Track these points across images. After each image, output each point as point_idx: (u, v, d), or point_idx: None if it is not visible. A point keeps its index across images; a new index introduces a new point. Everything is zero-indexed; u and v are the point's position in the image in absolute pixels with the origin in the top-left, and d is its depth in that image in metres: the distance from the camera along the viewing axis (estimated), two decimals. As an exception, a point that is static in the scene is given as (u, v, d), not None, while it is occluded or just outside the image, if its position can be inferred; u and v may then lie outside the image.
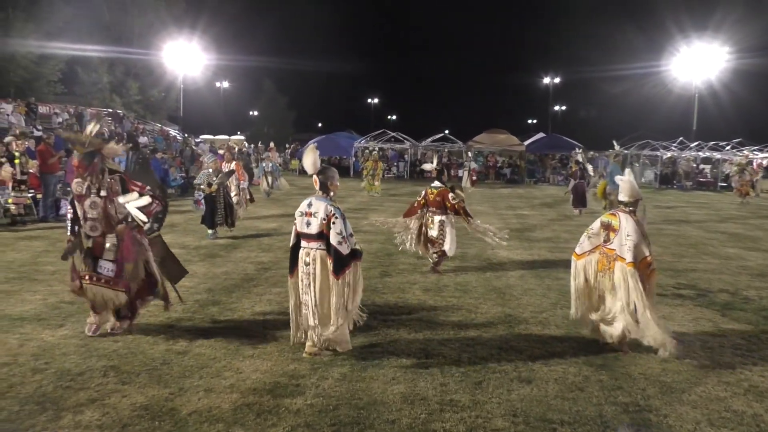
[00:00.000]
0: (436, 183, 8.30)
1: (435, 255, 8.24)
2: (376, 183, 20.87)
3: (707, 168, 33.76)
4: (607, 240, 5.35)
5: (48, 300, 6.41)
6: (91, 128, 5.45)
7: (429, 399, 4.16)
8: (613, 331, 5.22)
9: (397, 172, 34.09)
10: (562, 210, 17.08)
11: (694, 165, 33.39)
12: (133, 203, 5.31)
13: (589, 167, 17.39)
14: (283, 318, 5.93)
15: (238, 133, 52.58)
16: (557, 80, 57.44)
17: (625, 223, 5.22)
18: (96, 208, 5.33)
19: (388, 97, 79.85)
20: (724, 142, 33.41)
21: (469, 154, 30.41)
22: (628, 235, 5.15)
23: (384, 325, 5.73)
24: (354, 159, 33.02)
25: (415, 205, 8.40)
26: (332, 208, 4.79)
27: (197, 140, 34.19)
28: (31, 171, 13.02)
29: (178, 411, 3.87)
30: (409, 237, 8.34)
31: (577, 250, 5.65)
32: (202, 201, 10.94)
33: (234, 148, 16.03)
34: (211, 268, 8.22)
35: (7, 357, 4.71)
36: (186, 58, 36.52)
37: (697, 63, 36.87)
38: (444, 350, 5.13)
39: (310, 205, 4.89)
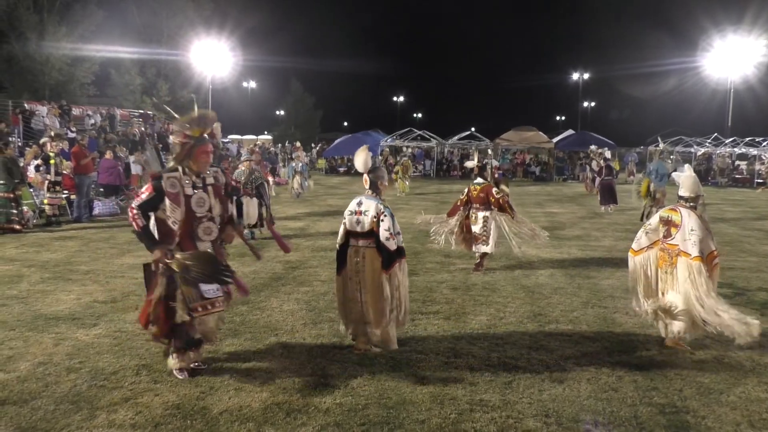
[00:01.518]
0: (479, 179, 8.34)
1: (478, 255, 8.21)
2: (406, 183, 20.89)
3: (743, 164, 32.91)
4: (668, 235, 5.27)
5: (82, 300, 6.52)
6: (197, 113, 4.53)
7: (459, 399, 4.12)
8: (675, 327, 5.17)
9: (423, 171, 34.01)
10: (592, 207, 16.83)
11: (729, 161, 32.58)
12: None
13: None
14: (312, 317, 5.97)
15: (265, 132, 53.03)
16: (586, 76, 56.71)
17: (687, 219, 5.16)
18: (203, 205, 4.44)
19: (414, 96, 79.76)
20: (761, 138, 32.55)
21: (489, 151, 30.14)
22: (692, 230, 5.09)
23: (412, 325, 5.70)
24: (379, 157, 33.04)
25: (458, 203, 8.43)
26: (382, 207, 4.91)
27: (225, 140, 34.54)
28: (65, 172, 13.31)
29: (209, 410, 3.90)
30: (448, 233, 8.29)
31: (634, 246, 5.58)
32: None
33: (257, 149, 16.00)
34: (240, 267, 8.26)
35: (43, 356, 4.80)
36: (214, 59, 36.98)
37: (732, 57, 36.00)
38: (473, 350, 5.08)
39: (360, 203, 5.01)
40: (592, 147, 24.59)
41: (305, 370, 4.60)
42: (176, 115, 4.48)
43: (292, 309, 6.28)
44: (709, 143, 33.48)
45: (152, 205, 4.26)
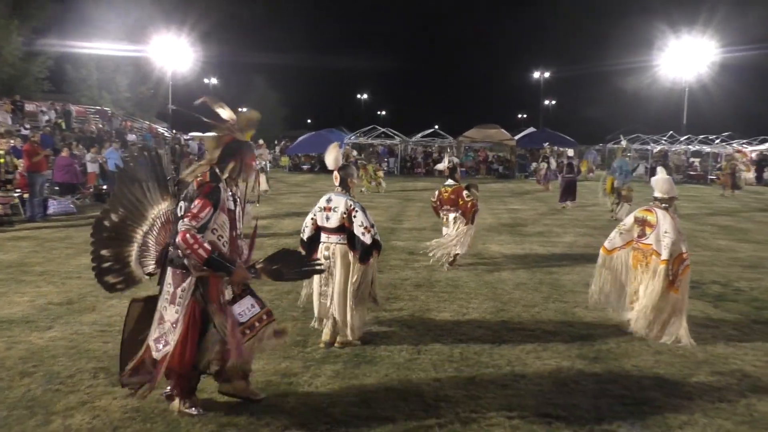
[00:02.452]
0: (450, 181, 8.32)
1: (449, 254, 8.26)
2: (382, 183, 20.97)
3: (697, 161, 33.92)
4: (642, 235, 5.45)
5: (36, 302, 6.32)
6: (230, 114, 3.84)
7: (423, 395, 4.14)
8: (638, 324, 5.40)
9: (388, 168, 34.04)
10: (553, 204, 17.11)
11: (685, 158, 33.54)
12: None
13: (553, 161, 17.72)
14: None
15: (228, 130, 52.28)
16: (547, 75, 57.62)
17: (662, 220, 5.33)
18: (240, 221, 3.85)
19: (379, 93, 79.73)
20: (714, 136, 33.63)
21: (449, 149, 30.38)
22: (666, 232, 5.26)
23: (376, 322, 5.70)
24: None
25: (434, 207, 8.54)
26: (352, 203, 5.00)
27: (186, 137, 33.98)
28: (17, 170, 12.89)
29: (170, 412, 3.82)
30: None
31: (607, 245, 5.74)
32: None
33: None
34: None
35: (-5, 359, 4.64)
36: (174, 54, 36.29)
37: (687, 57, 37.11)
38: (437, 346, 5.11)
39: (329, 200, 5.10)
40: (545, 145, 25.14)
41: (268, 369, 4.55)
42: (227, 113, 3.78)
43: (255, 308, 6.19)
44: (665, 141, 34.42)
45: (207, 224, 3.53)
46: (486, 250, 9.58)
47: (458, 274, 7.93)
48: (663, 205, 5.48)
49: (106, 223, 3.81)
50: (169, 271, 3.65)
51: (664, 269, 5.22)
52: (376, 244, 4.97)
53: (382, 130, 34.48)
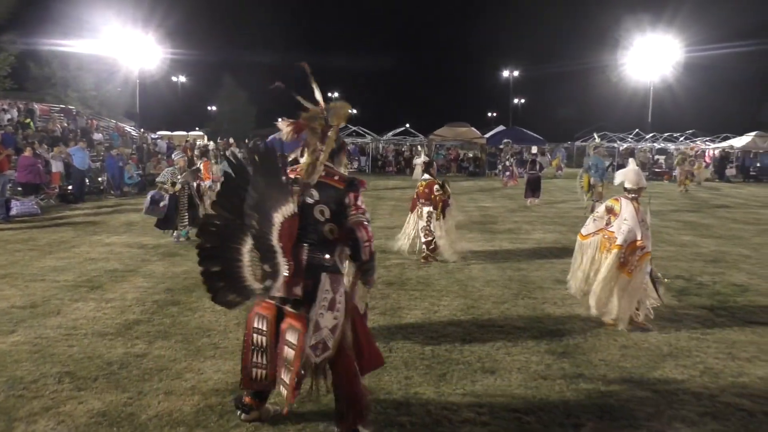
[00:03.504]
0: (425, 176, 8.64)
1: (424, 246, 8.53)
2: None
3: (662, 159, 34.67)
4: (608, 223, 5.74)
5: (-2, 304, 6.16)
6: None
7: (394, 393, 4.15)
8: (613, 308, 5.61)
9: (359, 167, 33.99)
10: (522, 201, 17.30)
11: (650, 156, 34.23)
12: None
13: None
14: (245, 316, 5.83)
15: (197, 128, 51.64)
16: (517, 74, 58.17)
17: (625, 208, 5.61)
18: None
19: (349, 92, 79.43)
20: (678, 134, 34.42)
21: (419, 147, 30.44)
22: (625, 220, 5.55)
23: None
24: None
25: (414, 198, 8.82)
26: None
27: (154, 136, 33.43)
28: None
29: (138, 416, 3.77)
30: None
31: (583, 231, 6.06)
32: (165, 201, 9.82)
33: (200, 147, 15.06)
34: (171, 267, 8.04)
35: (-45, 365, 4.51)
36: (141, 52, 35.61)
37: (652, 57, 37.88)
38: (407, 344, 5.13)
39: None
40: (505, 141, 25.45)
41: (239, 370, 4.48)
42: (324, 105, 3.61)
43: (224, 309, 6.11)
44: (632, 138, 35.12)
45: None
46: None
47: (429, 272, 7.97)
48: (631, 195, 5.71)
49: (254, 231, 3.25)
50: (325, 277, 3.43)
51: (616, 253, 5.51)
52: None
53: (353, 128, 34.39)
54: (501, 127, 42.14)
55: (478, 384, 4.31)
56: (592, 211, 13.33)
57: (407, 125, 36.69)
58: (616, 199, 5.79)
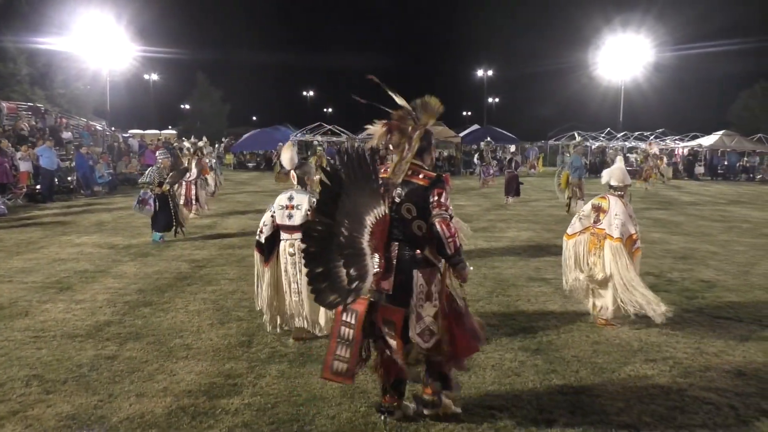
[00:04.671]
0: None
1: None
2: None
3: (633, 157, 35.23)
4: (597, 221, 5.82)
5: (-37, 307, 6.01)
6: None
7: (369, 392, 4.15)
8: (605, 304, 5.69)
9: (335, 165, 33.85)
10: (497, 200, 17.44)
11: (621, 154, 34.76)
12: None
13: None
14: (219, 316, 5.81)
15: (170, 127, 51.00)
16: (491, 73, 58.58)
17: (614, 205, 5.74)
18: None
19: (325, 91, 79.20)
20: (648, 132, 35.04)
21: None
22: (616, 215, 5.67)
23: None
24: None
25: None
26: (315, 200, 4.91)
27: (125, 135, 32.91)
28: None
29: (108, 419, 3.71)
30: None
31: (569, 230, 6.09)
32: (151, 202, 9.57)
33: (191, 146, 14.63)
34: (143, 268, 7.93)
35: None
36: (112, 49, 35.00)
37: (623, 57, 38.53)
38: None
39: (291, 198, 5.13)
40: (487, 140, 25.66)
41: (212, 371, 4.47)
42: (401, 100, 3.73)
43: (198, 309, 6.08)
44: (603, 137, 35.63)
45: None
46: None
47: (404, 270, 7.97)
48: (617, 192, 5.86)
49: (342, 239, 3.31)
50: (417, 273, 3.55)
51: (619, 246, 5.59)
52: None
53: (329, 127, 34.31)
54: (475, 126, 42.40)
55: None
56: (569, 208, 13.68)
57: (383, 124, 36.60)
58: (603, 197, 5.90)
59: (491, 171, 22.46)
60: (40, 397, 3.98)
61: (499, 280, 7.50)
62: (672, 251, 9.67)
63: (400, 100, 3.72)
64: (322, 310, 5.11)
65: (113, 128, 32.44)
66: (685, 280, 7.65)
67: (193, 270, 7.85)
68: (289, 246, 5.13)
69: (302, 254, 3.41)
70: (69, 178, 18.45)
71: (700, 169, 31.79)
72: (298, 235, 5.06)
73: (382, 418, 3.71)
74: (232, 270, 7.83)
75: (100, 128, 30.96)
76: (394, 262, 3.54)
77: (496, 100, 66.50)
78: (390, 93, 3.74)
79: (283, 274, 5.15)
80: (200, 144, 14.72)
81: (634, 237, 5.69)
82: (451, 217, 3.56)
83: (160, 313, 5.92)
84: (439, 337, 3.57)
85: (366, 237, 3.34)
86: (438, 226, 3.46)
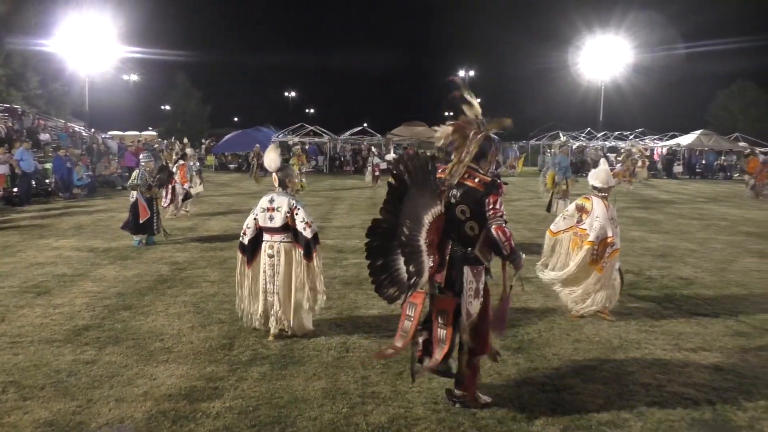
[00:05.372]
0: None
1: None
2: (303, 179, 20.64)
3: (613, 156, 35.59)
4: (580, 221, 5.93)
5: (-63, 313, 5.90)
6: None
7: (350, 393, 4.15)
8: (578, 299, 5.83)
9: (316, 166, 33.82)
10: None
11: (601, 154, 35.10)
12: None
13: None
14: (200, 319, 5.76)
15: (150, 128, 50.45)
16: (472, 73, 58.83)
17: (596, 206, 5.83)
18: None
19: (307, 91, 78.94)
20: (628, 132, 35.45)
21: (373, 149, 30.47)
22: (597, 217, 5.77)
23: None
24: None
25: None
26: (294, 202, 5.18)
27: (105, 136, 32.50)
28: None
29: (87, 424, 3.66)
30: None
31: (552, 228, 6.26)
32: (144, 203, 9.48)
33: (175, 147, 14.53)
34: (122, 271, 7.84)
35: None
36: (90, 49, 34.53)
37: (604, 58, 38.97)
38: (365, 343, 5.13)
39: (272, 200, 5.19)
40: None
41: (192, 374, 4.43)
42: (473, 111, 4.00)
43: (178, 312, 6.03)
44: (584, 137, 35.95)
45: None
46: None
47: (387, 270, 7.97)
48: (601, 194, 5.94)
49: (403, 238, 3.62)
50: (467, 270, 3.77)
51: (588, 248, 5.71)
52: (315, 238, 5.16)
53: (311, 128, 34.23)
54: (457, 127, 42.39)
55: (435, 381, 4.33)
56: (550, 207, 13.77)
57: (365, 125, 36.67)
58: (587, 198, 5.99)
59: None
60: (17, 404, 3.92)
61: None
62: (651, 249, 9.79)
63: (474, 104, 3.97)
64: (298, 311, 5.17)
65: (92, 129, 31.99)
66: (664, 277, 7.75)
67: (174, 272, 7.78)
68: (269, 248, 5.18)
69: (365, 248, 3.77)
70: (47, 181, 18.17)
71: (678, 168, 32.21)
72: (278, 237, 5.17)
73: (455, 405, 3.96)
74: (214, 272, 7.78)
75: (79, 130, 30.55)
76: (447, 258, 3.79)
77: (478, 100, 66.74)
78: (466, 95, 4.01)
79: (261, 274, 5.22)
80: (188, 150, 14.62)
81: (609, 241, 5.75)
82: (506, 222, 3.76)
83: (140, 316, 5.86)
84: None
85: (423, 235, 3.63)
86: (495, 233, 3.69)
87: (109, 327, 5.52)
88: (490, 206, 3.71)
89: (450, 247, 3.80)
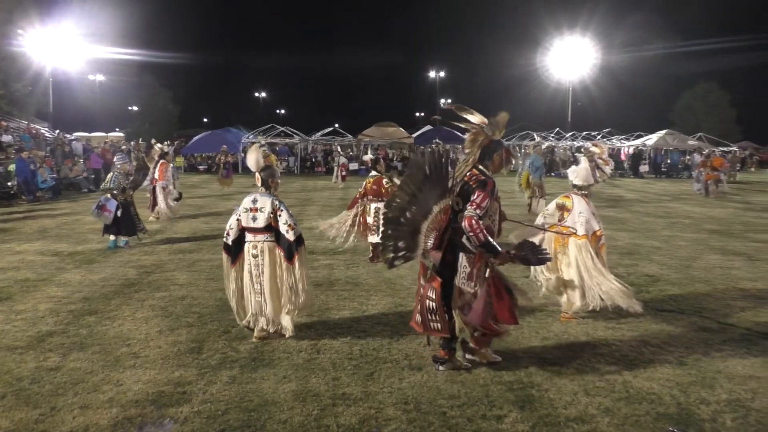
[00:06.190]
0: (373, 172, 8.74)
1: (371, 246, 8.51)
2: None
3: (581, 156, 36.16)
4: (561, 219, 5.96)
5: None
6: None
7: (321, 394, 4.13)
8: (573, 299, 5.80)
9: (287, 167, 33.62)
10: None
11: (570, 153, 35.62)
12: None
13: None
14: (168, 323, 5.68)
15: (117, 129, 49.55)
16: (443, 74, 59.22)
17: (578, 204, 5.88)
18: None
19: (277, 92, 78.53)
20: (596, 132, 36.06)
21: (339, 149, 30.43)
22: (580, 213, 5.82)
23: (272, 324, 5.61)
24: (243, 155, 32.17)
25: (357, 196, 8.74)
26: (277, 203, 5.22)
27: (70, 138, 31.82)
28: None
29: (61, 423, 3.58)
30: (344, 229, 8.57)
31: None
32: (110, 208, 9.27)
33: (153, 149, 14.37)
34: (88, 275, 7.68)
35: None
36: (54, 48, 33.77)
37: (571, 60, 39.59)
38: (336, 344, 5.12)
39: (255, 201, 5.22)
40: (436, 141, 26.04)
41: (160, 379, 4.37)
42: (477, 118, 4.50)
43: (146, 316, 5.93)
44: (552, 137, 36.46)
45: (487, 212, 4.26)
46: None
47: (358, 272, 7.98)
48: (581, 192, 6.01)
49: (403, 219, 4.20)
50: (462, 256, 4.29)
51: (584, 243, 5.73)
52: (299, 241, 5.18)
53: (281, 128, 34.05)
54: (428, 127, 42.71)
55: (405, 381, 4.36)
56: (530, 207, 13.93)
57: (336, 125, 36.60)
58: (567, 197, 6.04)
59: None
60: (-24, 413, 3.81)
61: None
62: (618, 247, 9.96)
63: (475, 119, 4.49)
64: (283, 310, 5.19)
65: (57, 131, 31.29)
66: (630, 275, 7.89)
67: (141, 276, 7.65)
68: (253, 248, 5.20)
69: (381, 216, 4.48)
70: (9, 183, 17.70)
71: (644, 168, 32.85)
72: (261, 237, 5.19)
73: (437, 366, 4.54)
74: (182, 275, 7.67)
75: (43, 131, 29.85)
76: (446, 243, 4.29)
77: (449, 101, 67.24)
78: (465, 116, 4.53)
79: (246, 274, 5.22)
80: (166, 149, 14.44)
81: (598, 233, 5.84)
82: (480, 217, 4.12)
83: (106, 321, 5.75)
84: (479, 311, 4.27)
85: (429, 220, 4.22)
86: (463, 222, 4.13)
87: (73, 333, 5.41)
88: (473, 198, 4.16)
89: (450, 234, 4.28)
